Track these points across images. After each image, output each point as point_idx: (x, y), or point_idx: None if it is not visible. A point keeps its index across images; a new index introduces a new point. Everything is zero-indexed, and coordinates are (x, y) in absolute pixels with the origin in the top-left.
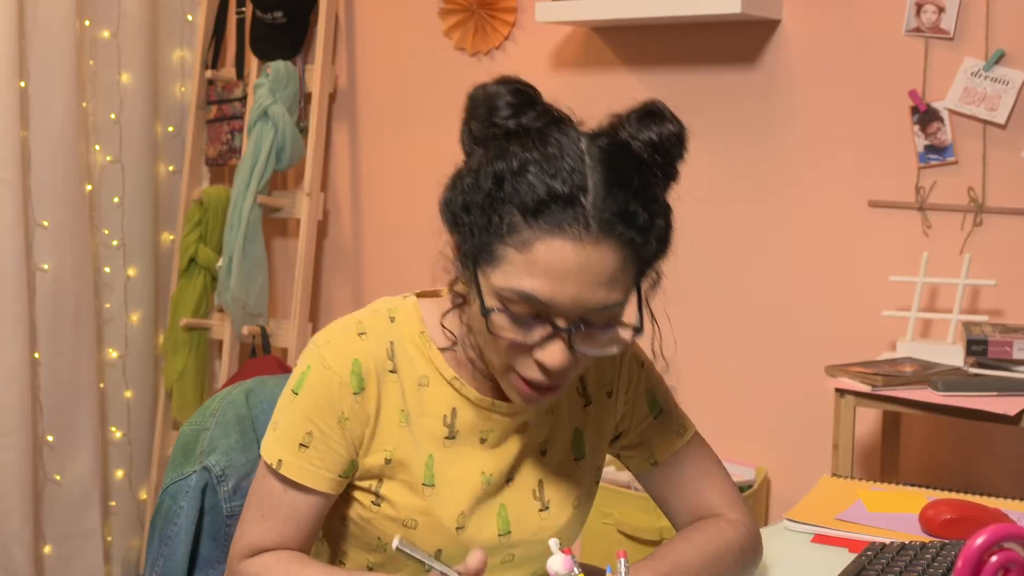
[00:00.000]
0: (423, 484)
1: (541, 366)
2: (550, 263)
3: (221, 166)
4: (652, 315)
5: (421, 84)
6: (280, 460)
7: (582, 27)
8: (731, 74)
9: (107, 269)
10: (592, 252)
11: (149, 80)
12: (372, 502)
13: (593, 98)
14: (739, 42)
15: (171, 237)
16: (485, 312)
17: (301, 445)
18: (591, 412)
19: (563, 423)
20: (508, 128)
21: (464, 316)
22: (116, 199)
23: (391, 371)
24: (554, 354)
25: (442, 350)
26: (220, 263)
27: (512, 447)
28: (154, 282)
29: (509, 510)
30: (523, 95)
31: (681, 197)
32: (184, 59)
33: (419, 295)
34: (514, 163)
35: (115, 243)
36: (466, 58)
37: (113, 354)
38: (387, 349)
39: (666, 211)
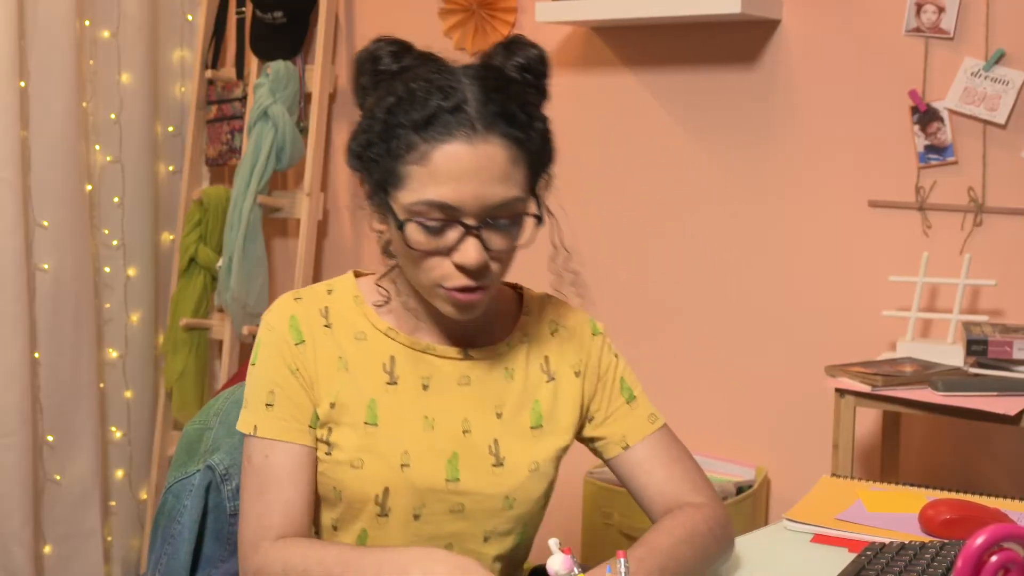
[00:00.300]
0: (365, 423)
1: (461, 268)
2: (448, 167)
3: (221, 166)
4: (550, 211)
5: None
6: (255, 426)
7: (582, 27)
8: (731, 74)
9: (107, 269)
10: (483, 150)
11: (149, 80)
12: (325, 452)
13: (593, 98)
14: (739, 42)
15: (171, 237)
16: (400, 226)
17: (267, 405)
18: (554, 388)
19: (521, 392)
20: (392, 70)
21: (396, 279)
22: (116, 199)
23: (326, 326)
24: (468, 252)
25: (377, 307)
26: (220, 263)
27: (459, 400)
28: (154, 282)
29: (461, 459)
30: (400, 44)
31: (681, 196)
32: (184, 59)
33: (357, 273)
34: (401, 91)
35: (115, 243)
36: (466, 58)
37: (113, 354)
38: (321, 310)
39: (543, 119)
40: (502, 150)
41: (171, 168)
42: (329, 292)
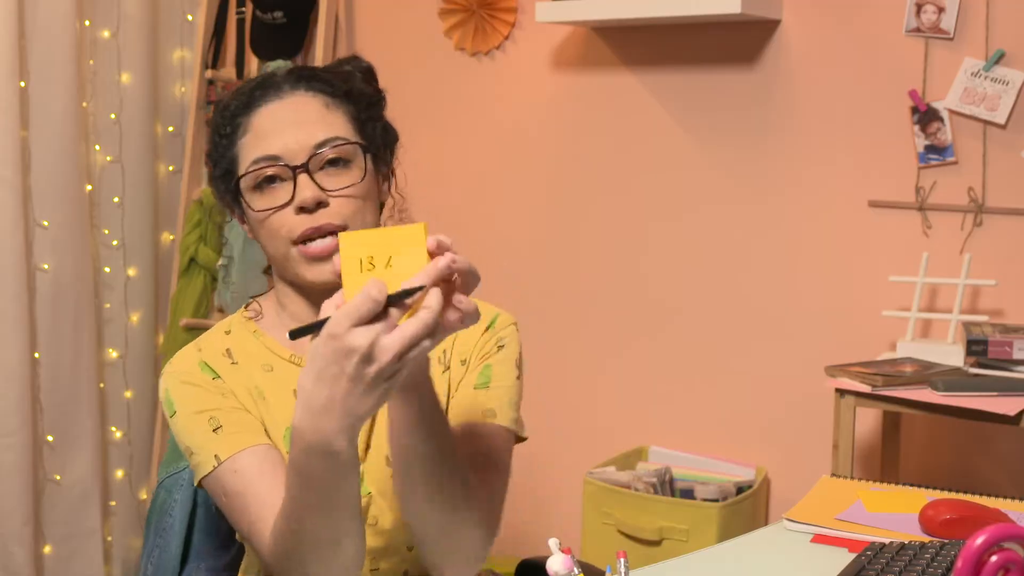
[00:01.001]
0: (287, 453)
1: (301, 210)
2: (265, 124)
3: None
4: (387, 165)
5: (421, 84)
6: (215, 455)
7: (582, 27)
8: (731, 74)
9: (107, 269)
10: (292, 101)
11: (149, 80)
12: None
13: (593, 99)
14: (739, 42)
15: (171, 237)
16: (239, 196)
17: (214, 431)
18: (447, 379)
19: None
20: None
21: (276, 287)
22: (116, 199)
23: (232, 364)
24: (302, 190)
25: (256, 320)
26: (220, 263)
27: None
28: (154, 282)
29: (367, 475)
30: None
31: (681, 197)
32: (184, 59)
33: (249, 302)
34: (227, 98)
35: (115, 243)
36: (466, 58)
37: (113, 354)
38: (224, 352)
39: (362, 71)
40: (313, 99)
41: (171, 168)
42: (227, 333)
